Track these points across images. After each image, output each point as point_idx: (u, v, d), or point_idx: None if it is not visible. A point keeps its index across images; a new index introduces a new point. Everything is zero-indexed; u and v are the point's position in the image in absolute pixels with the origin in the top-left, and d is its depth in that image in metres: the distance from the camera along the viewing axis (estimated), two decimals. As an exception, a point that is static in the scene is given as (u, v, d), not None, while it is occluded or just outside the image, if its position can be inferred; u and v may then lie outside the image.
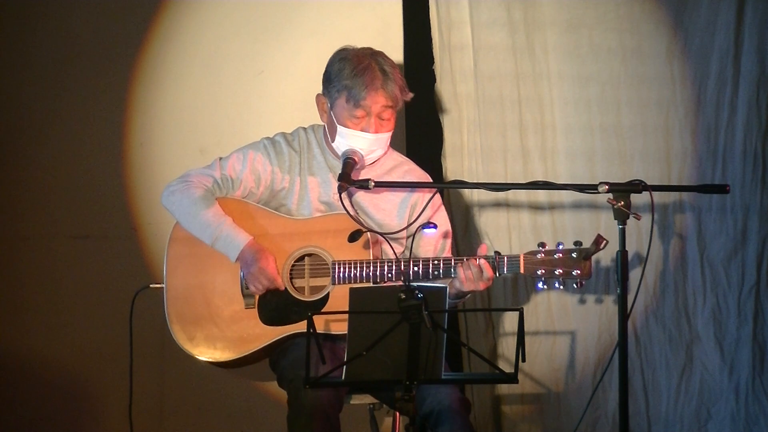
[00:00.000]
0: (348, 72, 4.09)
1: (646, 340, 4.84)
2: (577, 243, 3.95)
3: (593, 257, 3.94)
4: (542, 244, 3.97)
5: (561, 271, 3.94)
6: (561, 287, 3.96)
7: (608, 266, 4.80)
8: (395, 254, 4.07)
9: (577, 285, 3.95)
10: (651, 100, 4.84)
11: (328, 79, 4.14)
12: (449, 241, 4.24)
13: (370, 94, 4.07)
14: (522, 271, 3.96)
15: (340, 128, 4.12)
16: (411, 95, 4.16)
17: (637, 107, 4.85)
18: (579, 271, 3.94)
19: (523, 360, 3.48)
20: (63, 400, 4.94)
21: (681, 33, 4.82)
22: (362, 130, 4.11)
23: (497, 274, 3.98)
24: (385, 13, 4.90)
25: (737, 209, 4.83)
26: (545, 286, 3.97)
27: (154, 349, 4.80)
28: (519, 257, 3.97)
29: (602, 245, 3.85)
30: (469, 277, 3.96)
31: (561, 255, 3.95)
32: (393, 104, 4.11)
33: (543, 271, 3.95)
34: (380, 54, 4.14)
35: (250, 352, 4.04)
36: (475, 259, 3.97)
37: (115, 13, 4.91)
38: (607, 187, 3.83)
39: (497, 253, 3.99)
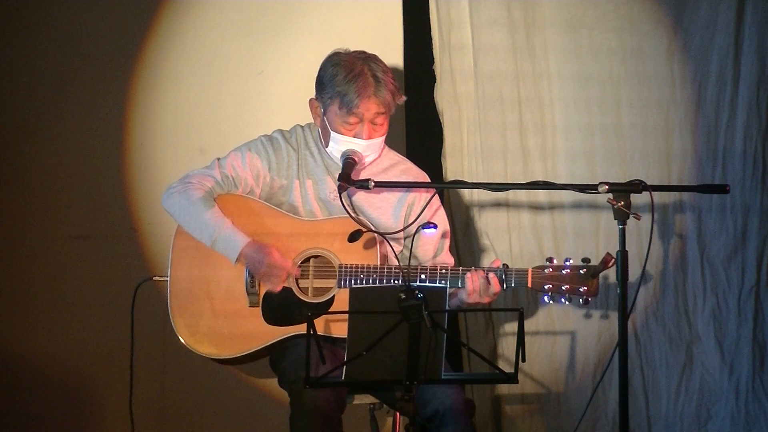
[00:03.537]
0: (341, 78, 4.06)
1: (646, 340, 4.84)
2: (586, 260, 3.98)
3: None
4: (550, 259, 4.00)
5: (568, 287, 3.97)
6: (567, 302, 3.98)
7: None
8: (395, 254, 4.07)
9: (582, 301, 3.97)
10: (651, 100, 4.84)
11: (321, 84, 4.12)
12: (447, 241, 4.25)
13: (362, 101, 4.05)
14: (530, 285, 3.98)
15: (333, 134, 4.12)
16: (404, 98, 4.14)
17: (637, 107, 4.84)
18: (586, 288, 3.96)
19: (523, 360, 3.48)
20: (63, 398, 4.94)
21: (681, 33, 4.82)
22: (355, 136, 4.10)
23: (504, 287, 3.99)
24: (385, 13, 4.90)
25: (737, 209, 4.83)
26: (551, 301, 4.00)
27: (156, 345, 4.80)
28: (527, 272, 3.98)
29: (610, 264, 3.85)
30: (476, 289, 3.95)
31: (569, 271, 3.97)
32: (386, 110, 4.10)
33: (550, 286, 3.97)
34: (373, 58, 4.11)
35: (252, 350, 4.03)
36: (483, 271, 3.97)
37: (115, 13, 4.91)
38: (607, 187, 3.84)
39: (505, 265, 4.00)
